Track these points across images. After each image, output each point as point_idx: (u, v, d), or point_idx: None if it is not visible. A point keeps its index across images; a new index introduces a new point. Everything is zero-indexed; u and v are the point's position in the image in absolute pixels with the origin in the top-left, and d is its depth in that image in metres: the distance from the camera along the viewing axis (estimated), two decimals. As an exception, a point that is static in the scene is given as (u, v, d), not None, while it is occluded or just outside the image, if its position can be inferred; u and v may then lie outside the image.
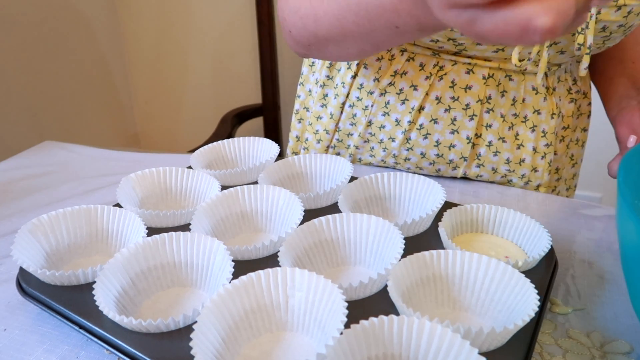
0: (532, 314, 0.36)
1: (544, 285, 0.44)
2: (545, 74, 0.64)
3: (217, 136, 1.59)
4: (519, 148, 0.66)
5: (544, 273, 0.45)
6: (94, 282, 0.40)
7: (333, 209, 0.55)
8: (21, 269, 0.45)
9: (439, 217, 0.50)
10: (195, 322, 0.35)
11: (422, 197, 0.55)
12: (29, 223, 0.46)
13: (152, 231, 0.48)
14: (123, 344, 0.37)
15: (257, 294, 0.39)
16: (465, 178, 0.70)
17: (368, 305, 0.41)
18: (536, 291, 0.38)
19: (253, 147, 0.66)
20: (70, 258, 0.48)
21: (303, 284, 0.39)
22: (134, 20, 1.91)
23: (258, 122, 1.80)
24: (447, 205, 0.52)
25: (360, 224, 0.47)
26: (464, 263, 0.42)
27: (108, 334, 0.38)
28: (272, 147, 0.64)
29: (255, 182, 0.58)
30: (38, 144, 0.82)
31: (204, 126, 1.92)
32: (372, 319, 0.33)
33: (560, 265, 0.51)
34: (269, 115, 1.78)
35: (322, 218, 0.47)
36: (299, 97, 0.79)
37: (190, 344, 0.33)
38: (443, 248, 0.46)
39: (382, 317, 0.34)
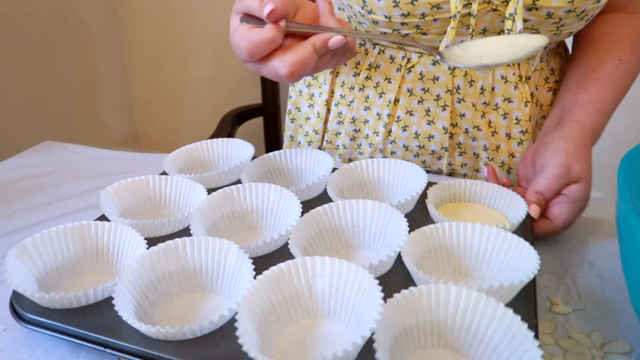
0: (535, 271, 0.39)
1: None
2: (518, 63, 0.63)
3: (217, 136, 1.58)
4: (493, 135, 0.67)
5: (526, 237, 0.48)
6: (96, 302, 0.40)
7: (323, 198, 0.56)
8: (14, 294, 0.42)
9: (422, 194, 0.54)
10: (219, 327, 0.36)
11: (402, 179, 0.57)
12: (14, 248, 0.44)
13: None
14: (151, 351, 0.37)
15: (288, 284, 0.39)
16: (450, 174, 0.70)
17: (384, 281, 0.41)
18: (536, 252, 0.41)
19: (225, 148, 0.65)
20: (61, 280, 0.46)
21: (325, 270, 0.39)
22: (134, 20, 1.90)
23: (258, 122, 1.80)
24: (428, 184, 0.55)
25: (364, 209, 0.48)
26: (459, 233, 0.45)
27: (137, 346, 0.37)
28: (245, 147, 0.63)
29: (238, 182, 0.58)
30: (38, 144, 0.82)
31: (204, 126, 1.92)
32: (406, 290, 0.36)
33: (560, 265, 0.51)
34: (269, 115, 1.78)
35: (326, 206, 0.48)
36: (290, 97, 0.80)
37: (239, 341, 0.33)
38: (433, 220, 0.50)
39: (414, 287, 0.36)
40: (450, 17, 0.54)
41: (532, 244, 0.47)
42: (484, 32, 0.58)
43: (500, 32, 0.58)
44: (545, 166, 0.54)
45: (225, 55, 1.86)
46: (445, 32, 0.57)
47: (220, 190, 0.52)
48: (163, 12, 1.87)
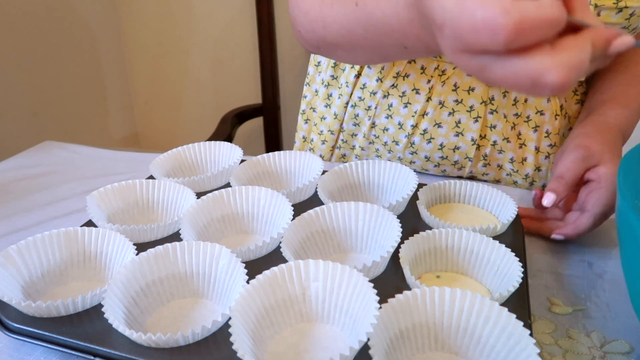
0: (520, 280, 0.40)
1: (520, 248, 0.47)
2: None
3: (217, 136, 1.59)
4: (521, 147, 0.66)
5: (516, 236, 0.49)
6: (84, 309, 0.39)
7: (314, 200, 0.56)
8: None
9: (413, 195, 0.54)
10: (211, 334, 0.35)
11: (392, 181, 0.57)
12: None
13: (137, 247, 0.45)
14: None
15: (281, 288, 0.39)
16: (470, 178, 0.70)
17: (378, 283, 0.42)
18: (518, 260, 0.42)
19: (212, 151, 0.64)
20: (47, 288, 0.45)
21: (319, 273, 0.39)
22: (134, 20, 1.90)
23: (258, 122, 1.80)
24: (419, 186, 0.56)
25: (356, 211, 0.48)
26: (455, 238, 0.46)
27: (127, 354, 0.36)
28: (233, 150, 0.62)
29: (227, 186, 0.57)
30: (38, 144, 0.82)
31: (204, 126, 1.92)
32: (401, 295, 0.36)
33: (560, 265, 0.51)
34: (269, 115, 1.78)
35: (318, 209, 0.48)
36: (305, 97, 0.79)
37: (234, 347, 0.33)
38: (424, 222, 0.51)
39: (408, 291, 0.36)
40: None
41: (522, 246, 0.48)
42: None
43: None
44: (563, 152, 0.54)
45: (225, 55, 1.86)
46: None
47: (210, 194, 0.51)
48: (163, 12, 1.87)
